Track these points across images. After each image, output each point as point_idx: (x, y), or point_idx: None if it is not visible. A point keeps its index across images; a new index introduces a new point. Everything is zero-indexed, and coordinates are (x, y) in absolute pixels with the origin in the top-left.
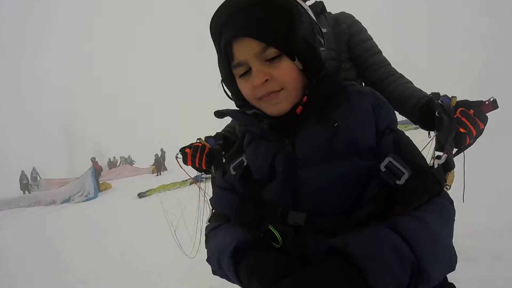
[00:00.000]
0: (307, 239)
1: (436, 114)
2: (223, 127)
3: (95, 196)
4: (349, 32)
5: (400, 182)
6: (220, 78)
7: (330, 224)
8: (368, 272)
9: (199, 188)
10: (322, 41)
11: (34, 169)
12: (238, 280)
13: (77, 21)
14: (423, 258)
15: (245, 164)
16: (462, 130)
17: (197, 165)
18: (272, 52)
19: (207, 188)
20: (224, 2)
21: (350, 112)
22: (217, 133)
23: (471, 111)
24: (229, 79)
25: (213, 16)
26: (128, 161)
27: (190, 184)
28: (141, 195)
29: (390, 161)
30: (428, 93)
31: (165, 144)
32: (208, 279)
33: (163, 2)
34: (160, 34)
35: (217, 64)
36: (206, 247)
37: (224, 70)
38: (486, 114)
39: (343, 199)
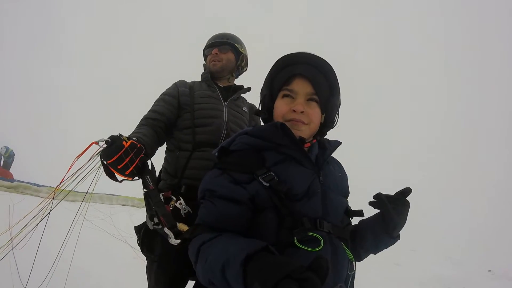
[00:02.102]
0: (336, 241)
1: None
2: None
3: None
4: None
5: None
6: None
7: (341, 231)
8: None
9: None
10: (337, 120)
11: None
12: (244, 286)
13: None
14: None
15: (276, 179)
16: None
17: (119, 166)
18: (314, 99)
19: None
20: (304, 52)
21: (341, 170)
22: (137, 139)
23: None
24: (271, 96)
25: (289, 54)
26: None
27: None
28: None
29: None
30: None
31: None
32: None
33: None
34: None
35: (263, 84)
36: (197, 258)
37: (273, 88)
38: None
39: (341, 217)
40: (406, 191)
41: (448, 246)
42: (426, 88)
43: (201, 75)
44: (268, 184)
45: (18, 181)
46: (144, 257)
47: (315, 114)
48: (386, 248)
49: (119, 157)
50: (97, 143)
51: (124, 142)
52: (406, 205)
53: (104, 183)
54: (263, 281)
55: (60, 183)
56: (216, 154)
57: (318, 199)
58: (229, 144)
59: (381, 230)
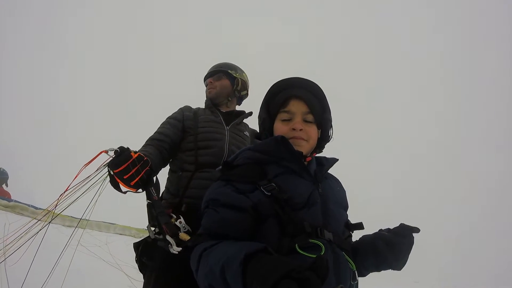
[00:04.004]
0: (337, 250)
1: None
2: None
3: None
4: None
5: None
6: None
7: (343, 241)
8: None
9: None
10: (331, 133)
11: None
12: (243, 286)
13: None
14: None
15: (277, 189)
16: None
17: (125, 176)
18: (310, 117)
19: None
20: (295, 77)
21: (339, 185)
22: (146, 155)
23: None
24: (269, 118)
25: (282, 79)
26: None
27: None
28: None
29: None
30: None
31: None
32: None
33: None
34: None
35: (260, 108)
36: (199, 264)
37: (271, 111)
38: None
39: (342, 229)
40: (411, 230)
41: (451, 276)
42: (420, 92)
43: (205, 103)
44: (269, 193)
45: (15, 201)
46: (139, 284)
47: (312, 131)
48: (386, 270)
49: (126, 167)
50: (106, 152)
51: (132, 153)
52: (404, 250)
53: (103, 211)
54: (262, 280)
55: (65, 191)
56: (220, 169)
57: (318, 208)
58: (233, 160)
59: (382, 259)
